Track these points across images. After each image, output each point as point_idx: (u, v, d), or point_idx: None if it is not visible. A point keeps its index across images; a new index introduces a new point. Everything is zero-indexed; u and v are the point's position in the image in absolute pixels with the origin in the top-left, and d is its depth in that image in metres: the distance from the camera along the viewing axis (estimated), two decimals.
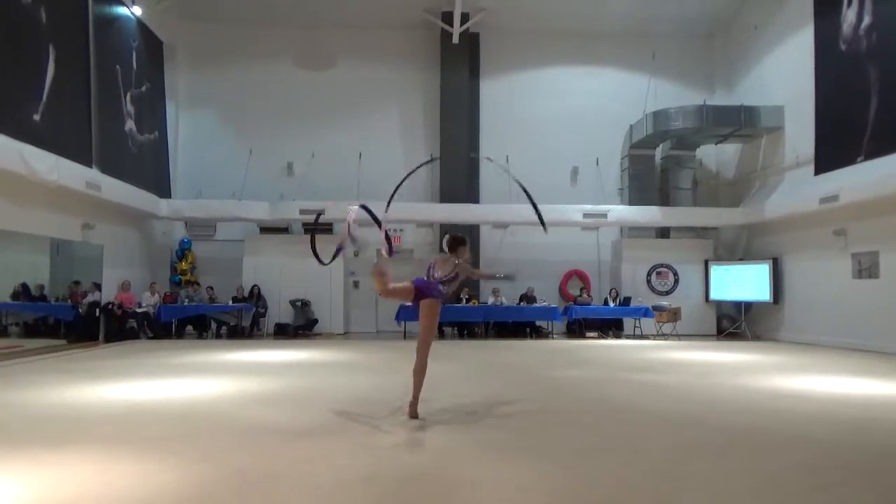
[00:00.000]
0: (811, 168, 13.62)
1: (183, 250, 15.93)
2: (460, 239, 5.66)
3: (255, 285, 15.00)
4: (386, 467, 3.91)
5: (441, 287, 5.49)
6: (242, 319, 14.71)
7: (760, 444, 4.59)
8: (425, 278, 5.55)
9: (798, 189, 13.89)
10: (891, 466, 4.04)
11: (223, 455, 4.21)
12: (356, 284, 16.55)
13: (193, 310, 14.37)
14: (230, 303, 14.73)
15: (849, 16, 12.70)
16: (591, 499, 3.40)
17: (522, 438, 4.73)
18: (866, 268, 12.22)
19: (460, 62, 16.77)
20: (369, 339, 14.27)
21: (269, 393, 6.74)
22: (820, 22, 13.55)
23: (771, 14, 15.54)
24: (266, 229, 15.94)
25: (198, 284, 15.32)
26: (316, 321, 15.15)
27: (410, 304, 5.65)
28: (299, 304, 15.06)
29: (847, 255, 12.66)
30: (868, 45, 12.20)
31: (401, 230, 16.55)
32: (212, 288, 14.95)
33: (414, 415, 5.23)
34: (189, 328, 14.64)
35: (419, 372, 5.29)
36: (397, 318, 14.67)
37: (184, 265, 15.83)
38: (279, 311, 15.26)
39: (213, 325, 14.70)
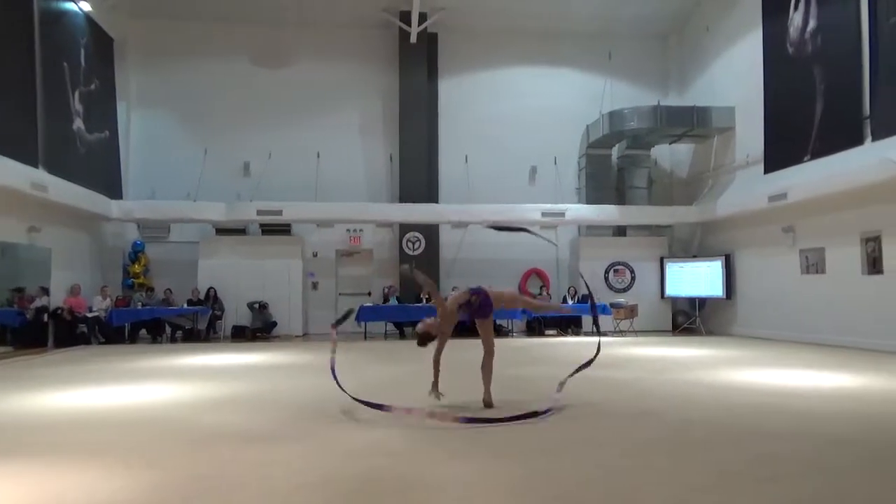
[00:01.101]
0: (761, 167, 14.02)
1: (136, 253, 15.52)
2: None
3: (210, 287, 14.71)
4: (344, 470, 3.87)
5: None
6: (198, 323, 14.41)
7: (715, 438, 4.69)
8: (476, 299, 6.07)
9: (748, 187, 14.29)
10: (838, 455, 4.17)
11: (176, 461, 4.11)
12: (315, 286, 16.39)
13: (147, 313, 14.03)
14: (185, 306, 14.42)
15: (795, 19, 13.11)
16: (549, 495, 3.42)
17: (482, 437, 4.74)
18: (813, 263, 12.64)
19: (419, 62, 16.75)
20: (329, 341, 14.11)
21: (225, 397, 6.62)
22: (768, 25, 13.96)
23: (722, 16, 15.94)
24: (222, 230, 15.65)
25: (151, 290, 14.96)
26: (274, 323, 14.95)
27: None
28: (257, 306, 14.84)
29: (795, 251, 13.07)
30: (813, 48, 12.62)
31: (360, 230, 16.46)
32: (170, 290, 14.62)
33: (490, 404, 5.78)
34: (143, 332, 14.27)
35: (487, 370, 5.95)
36: (358, 318, 14.57)
37: (136, 268, 15.42)
38: (236, 314, 15.01)
39: (168, 329, 14.37)
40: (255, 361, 10.04)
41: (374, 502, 3.34)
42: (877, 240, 11.06)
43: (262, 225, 15.71)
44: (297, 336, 15.25)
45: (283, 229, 15.90)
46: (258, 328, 14.71)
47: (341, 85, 17.07)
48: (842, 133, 11.71)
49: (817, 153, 12.31)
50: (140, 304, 14.20)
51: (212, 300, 14.62)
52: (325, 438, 4.69)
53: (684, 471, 3.86)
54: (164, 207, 15.01)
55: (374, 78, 17.15)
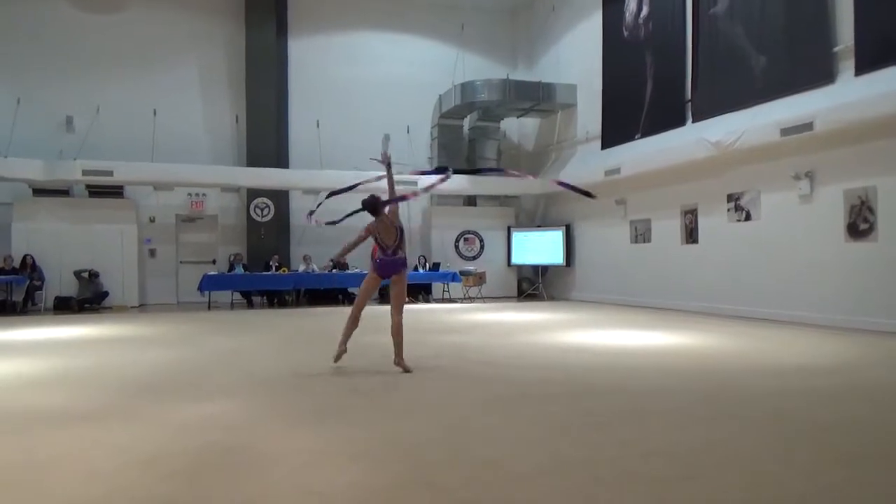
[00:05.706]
0: (599, 143, 14.95)
1: None
2: (371, 203, 6.42)
3: (27, 255, 13.22)
4: (174, 446, 3.66)
5: (399, 253, 6.25)
6: (13, 294, 12.93)
7: (549, 395, 5.00)
8: (384, 256, 6.28)
9: (587, 161, 15.20)
10: (651, 405, 4.61)
11: None
12: (153, 253, 15.29)
13: None
14: None
15: (631, 5, 13.99)
16: (393, 456, 3.47)
17: (326, 405, 4.69)
18: (641, 234, 13.78)
19: (267, 18, 15.94)
20: (169, 312, 13.29)
21: (44, 375, 6.00)
22: (607, 9, 14.79)
23: None
24: (41, 191, 14.04)
25: None
26: (106, 293, 13.79)
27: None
28: (86, 274, 13.59)
29: (626, 222, 14.16)
30: (645, 33, 13.56)
31: (203, 195, 15.53)
32: None
33: (402, 366, 5.95)
34: None
35: (397, 333, 5.99)
36: (200, 288, 13.86)
37: None
38: (60, 284, 13.65)
39: None
40: (81, 335, 9.20)
41: (206, 478, 3.19)
42: (694, 212, 12.26)
43: (89, 186, 14.30)
44: (132, 307, 14.19)
45: (114, 191, 14.59)
46: (86, 299, 13.49)
47: (180, 37, 15.82)
48: (667, 114, 12.77)
49: (647, 132, 13.34)
50: None
51: (29, 268, 13.16)
52: (156, 414, 4.41)
53: (520, 426, 4.08)
54: None
55: (218, 32, 16.07)
